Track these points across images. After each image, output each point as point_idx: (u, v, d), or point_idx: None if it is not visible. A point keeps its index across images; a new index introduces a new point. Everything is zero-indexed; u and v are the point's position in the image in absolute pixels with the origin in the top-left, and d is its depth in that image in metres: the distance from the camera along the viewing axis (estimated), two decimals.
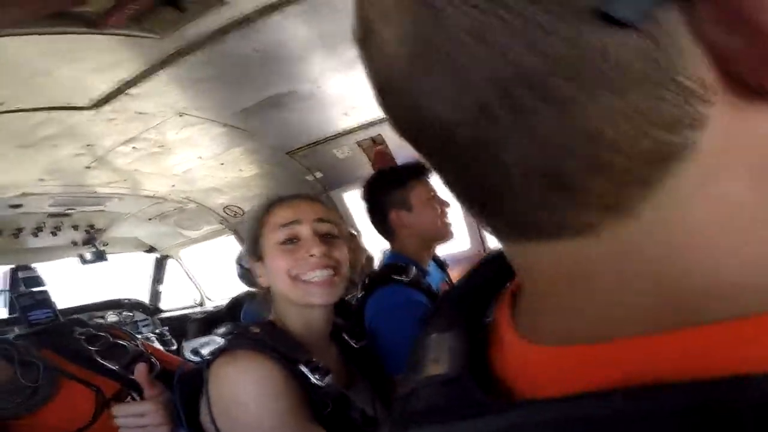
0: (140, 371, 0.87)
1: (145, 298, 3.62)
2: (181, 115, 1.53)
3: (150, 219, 2.87)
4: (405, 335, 0.71)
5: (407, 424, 0.24)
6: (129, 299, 3.47)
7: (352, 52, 1.40)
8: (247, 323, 0.93)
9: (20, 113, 1.14)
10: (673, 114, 0.16)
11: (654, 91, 0.16)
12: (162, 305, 3.69)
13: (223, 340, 0.87)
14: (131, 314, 3.41)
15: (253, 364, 0.77)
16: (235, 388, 0.76)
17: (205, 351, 0.89)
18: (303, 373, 0.79)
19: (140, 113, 1.43)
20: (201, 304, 3.58)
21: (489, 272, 0.32)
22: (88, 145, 1.60)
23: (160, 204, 2.65)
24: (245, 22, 1.05)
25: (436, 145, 0.21)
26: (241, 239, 2.95)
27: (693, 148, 0.17)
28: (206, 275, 3.60)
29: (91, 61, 1.02)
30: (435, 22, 0.17)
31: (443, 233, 1.33)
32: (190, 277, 3.53)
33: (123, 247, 3.21)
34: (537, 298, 0.24)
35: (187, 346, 0.92)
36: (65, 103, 1.16)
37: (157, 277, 3.63)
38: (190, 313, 3.42)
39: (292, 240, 0.89)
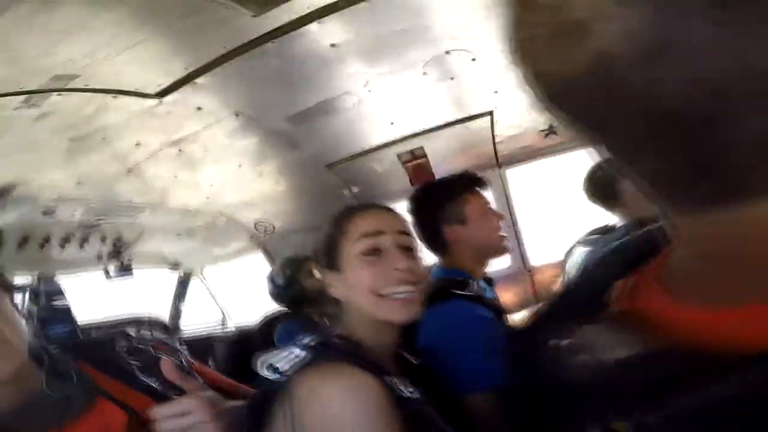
0: (166, 365, 0.79)
1: (165, 316, 3.51)
2: (237, 115, 1.50)
3: (178, 234, 2.82)
4: (477, 351, 0.63)
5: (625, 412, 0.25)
6: (149, 317, 3.36)
7: (411, 55, 1.37)
8: (326, 334, 0.86)
9: (85, 94, 1.09)
10: None
11: None
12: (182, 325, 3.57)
13: (304, 352, 0.78)
14: (149, 332, 3.29)
15: (353, 379, 0.72)
16: (337, 404, 0.70)
17: (283, 365, 0.79)
18: (391, 386, 0.74)
19: (199, 109, 1.40)
20: (223, 325, 3.46)
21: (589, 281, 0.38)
22: (136, 145, 1.56)
23: (190, 218, 2.61)
24: (331, 10, 1.01)
25: (649, 125, 0.24)
26: (270, 257, 2.87)
27: None
28: (228, 296, 3.52)
29: (173, 39, 0.99)
30: (676, 26, 0.21)
31: (499, 246, 1.29)
32: (213, 297, 3.44)
33: (147, 262, 3.13)
34: (736, 264, 0.26)
35: (262, 361, 0.82)
36: (134, 87, 1.13)
37: (180, 296, 3.52)
38: (211, 334, 3.30)
39: (375, 251, 0.85)
